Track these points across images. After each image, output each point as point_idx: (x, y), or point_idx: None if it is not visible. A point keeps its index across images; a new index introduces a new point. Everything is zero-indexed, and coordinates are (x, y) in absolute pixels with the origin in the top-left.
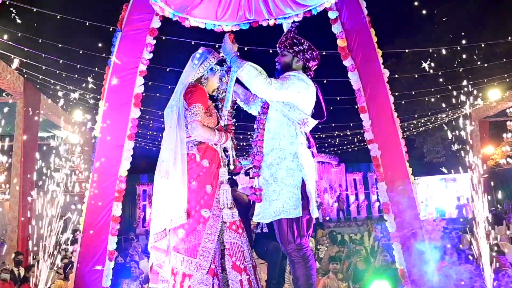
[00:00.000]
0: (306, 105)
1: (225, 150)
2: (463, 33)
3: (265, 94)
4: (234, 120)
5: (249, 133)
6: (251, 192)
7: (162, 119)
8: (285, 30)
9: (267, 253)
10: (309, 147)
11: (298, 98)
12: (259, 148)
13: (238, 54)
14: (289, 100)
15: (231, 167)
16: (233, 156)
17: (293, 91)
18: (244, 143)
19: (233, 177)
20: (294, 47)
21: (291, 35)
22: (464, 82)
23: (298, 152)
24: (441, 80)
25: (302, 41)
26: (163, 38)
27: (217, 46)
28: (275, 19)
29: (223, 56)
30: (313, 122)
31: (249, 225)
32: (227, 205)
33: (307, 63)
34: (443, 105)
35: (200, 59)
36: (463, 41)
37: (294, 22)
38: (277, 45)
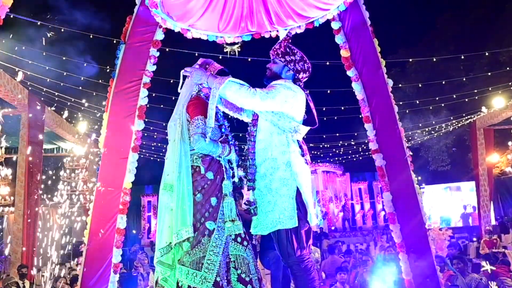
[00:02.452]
0: (296, 113)
1: (230, 162)
2: (466, 42)
3: (251, 105)
4: (229, 133)
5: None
6: (246, 207)
7: (166, 131)
8: (281, 38)
9: (271, 260)
10: (302, 155)
11: (286, 107)
12: (251, 161)
13: (212, 73)
14: (277, 110)
15: (236, 179)
16: (237, 168)
17: (280, 100)
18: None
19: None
20: (286, 56)
21: (285, 43)
22: (468, 91)
23: (290, 161)
24: (445, 88)
25: (295, 51)
26: (167, 50)
27: (220, 58)
28: (277, 30)
29: (222, 68)
30: (305, 129)
31: (254, 237)
32: (231, 218)
33: (297, 74)
34: (448, 113)
35: None
36: (467, 50)
37: (290, 33)
38: (270, 52)
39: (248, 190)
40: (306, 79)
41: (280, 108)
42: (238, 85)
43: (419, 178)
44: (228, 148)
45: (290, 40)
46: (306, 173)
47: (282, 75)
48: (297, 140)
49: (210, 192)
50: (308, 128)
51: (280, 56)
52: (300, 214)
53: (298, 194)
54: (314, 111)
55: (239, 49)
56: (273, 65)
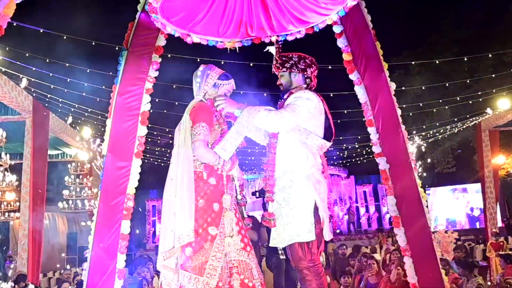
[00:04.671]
0: (318, 123)
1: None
2: (470, 43)
3: (282, 127)
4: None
5: (257, 148)
6: (265, 218)
7: (169, 135)
8: (273, 53)
9: (273, 265)
10: (322, 172)
11: (309, 118)
12: (270, 172)
13: (240, 105)
14: (304, 124)
15: (239, 197)
16: (239, 187)
17: (304, 113)
18: (252, 157)
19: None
20: (286, 65)
21: (278, 55)
22: (473, 92)
23: (309, 175)
24: (449, 90)
25: (291, 55)
26: (169, 56)
27: (222, 63)
28: (277, 35)
29: (224, 72)
30: (328, 145)
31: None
32: (230, 234)
33: (305, 73)
34: (452, 115)
35: (202, 77)
36: (471, 52)
37: (277, 42)
38: (273, 71)
39: (267, 202)
40: (316, 71)
41: (305, 121)
42: (266, 112)
43: (424, 177)
44: (230, 163)
45: (281, 50)
46: (324, 188)
47: (293, 82)
48: (318, 154)
49: (212, 198)
50: (330, 143)
51: (281, 68)
52: (316, 222)
53: (315, 207)
54: (330, 118)
55: (240, 45)
56: (281, 79)
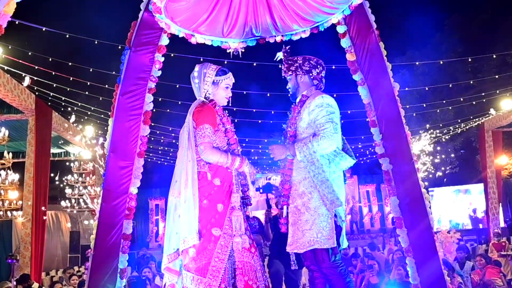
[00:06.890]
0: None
1: (242, 175)
2: (474, 44)
3: (335, 144)
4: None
5: (260, 146)
6: (282, 223)
7: (173, 134)
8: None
9: (272, 266)
10: (344, 176)
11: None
12: (286, 177)
13: (287, 148)
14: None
15: (251, 193)
16: (252, 184)
17: (336, 117)
18: (256, 157)
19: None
20: (291, 68)
21: (285, 59)
22: (476, 93)
23: (331, 180)
24: (452, 90)
25: (295, 58)
26: (172, 55)
27: (226, 62)
28: (282, 35)
29: (221, 67)
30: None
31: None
32: (239, 233)
33: (310, 74)
34: (455, 116)
35: (199, 77)
36: (475, 52)
37: (285, 47)
38: (282, 76)
39: (282, 207)
40: (323, 72)
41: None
42: (315, 143)
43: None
44: (239, 160)
45: (287, 55)
46: (343, 194)
47: (300, 84)
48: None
49: (216, 199)
50: (354, 160)
51: (287, 71)
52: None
53: (335, 214)
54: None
55: (243, 50)
56: (290, 83)
